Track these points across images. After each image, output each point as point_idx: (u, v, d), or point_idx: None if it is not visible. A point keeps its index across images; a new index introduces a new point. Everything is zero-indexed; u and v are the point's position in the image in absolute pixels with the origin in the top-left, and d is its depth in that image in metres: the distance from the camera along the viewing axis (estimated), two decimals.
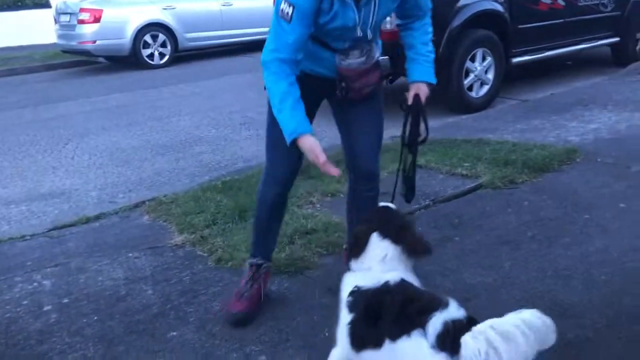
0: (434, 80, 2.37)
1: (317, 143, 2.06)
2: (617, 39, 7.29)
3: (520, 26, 6.23)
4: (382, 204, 2.04)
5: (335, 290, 2.57)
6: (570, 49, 6.89)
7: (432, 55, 2.37)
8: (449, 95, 5.93)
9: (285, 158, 2.34)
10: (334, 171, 2.06)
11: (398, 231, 1.76)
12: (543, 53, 6.60)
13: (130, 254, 3.13)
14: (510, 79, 6.61)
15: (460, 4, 5.66)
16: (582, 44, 6.98)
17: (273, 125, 2.22)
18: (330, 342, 1.84)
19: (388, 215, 1.88)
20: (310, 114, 2.24)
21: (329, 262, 2.87)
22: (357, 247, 1.79)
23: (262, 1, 10.58)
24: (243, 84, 8.30)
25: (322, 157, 2.03)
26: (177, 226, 3.41)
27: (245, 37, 11.48)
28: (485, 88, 6.11)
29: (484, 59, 5.99)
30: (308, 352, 2.21)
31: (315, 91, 2.30)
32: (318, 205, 3.58)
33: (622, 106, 5.43)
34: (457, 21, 5.64)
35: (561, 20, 6.58)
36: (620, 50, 7.53)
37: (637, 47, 7.61)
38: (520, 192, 3.59)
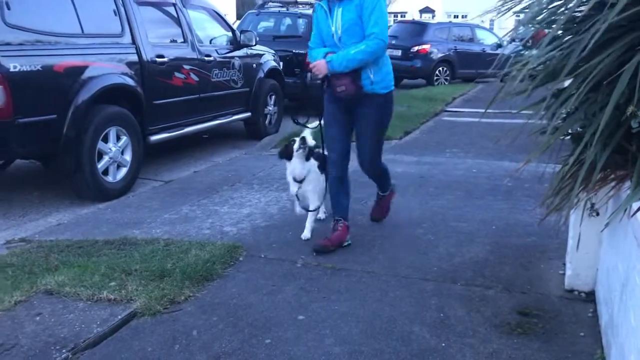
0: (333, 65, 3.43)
1: None
2: (248, 114, 7.45)
3: (156, 102, 5.71)
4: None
5: None
6: (208, 124, 6.71)
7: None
8: (81, 183, 4.95)
9: None
10: None
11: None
12: (182, 130, 6.21)
13: None
14: (150, 157, 5.99)
15: (85, 76, 4.80)
16: (218, 119, 6.87)
17: None
18: None
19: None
20: None
21: None
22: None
23: None
24: None
25: None
26: None
27: None
28: (124, 170, 5.33)
29: (118, 138, 5.23)
30: None
31: None
32: None
33: (268, 184, 5.34)
34: (83, 96, 4.76)
35: (196, 96, 6.34)
36: (252, 125, 7.74)
37: (266, 122, 7.94)
38: (185, 316, 2.89)
